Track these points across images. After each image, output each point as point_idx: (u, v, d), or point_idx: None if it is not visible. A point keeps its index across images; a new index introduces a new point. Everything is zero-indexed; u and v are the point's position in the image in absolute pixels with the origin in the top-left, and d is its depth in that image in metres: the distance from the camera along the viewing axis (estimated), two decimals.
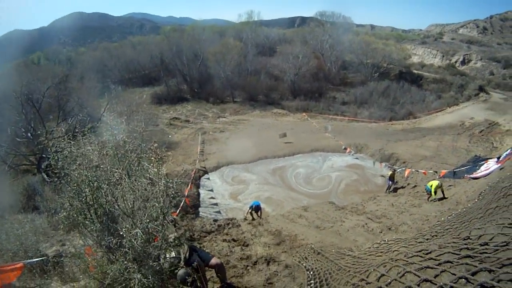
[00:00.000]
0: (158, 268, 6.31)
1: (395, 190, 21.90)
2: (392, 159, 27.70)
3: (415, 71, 62.75)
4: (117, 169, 6.94)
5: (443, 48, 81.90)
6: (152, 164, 7.16)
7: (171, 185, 6.86)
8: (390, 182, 21.79)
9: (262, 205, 18.84)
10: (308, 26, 74.26)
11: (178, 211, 16.11)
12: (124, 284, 5.80)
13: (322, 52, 57.67)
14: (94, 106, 30.54)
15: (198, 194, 21.82)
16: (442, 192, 18.05)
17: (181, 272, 5.87)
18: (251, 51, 52.91)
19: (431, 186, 18.02)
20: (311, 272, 8.61)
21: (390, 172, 21.95)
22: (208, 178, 24.14)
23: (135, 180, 6.78)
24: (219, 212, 19.98)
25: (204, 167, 25.36)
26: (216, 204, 20.64)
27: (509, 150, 20.72)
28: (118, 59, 57.10)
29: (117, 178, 6.76)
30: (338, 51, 57.08)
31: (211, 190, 22.33)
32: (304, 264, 9.54)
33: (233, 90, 47.60)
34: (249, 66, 51.01)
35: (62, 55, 55.54)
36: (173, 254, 5.98)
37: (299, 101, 45.88)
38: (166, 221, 6.84)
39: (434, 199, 18.00)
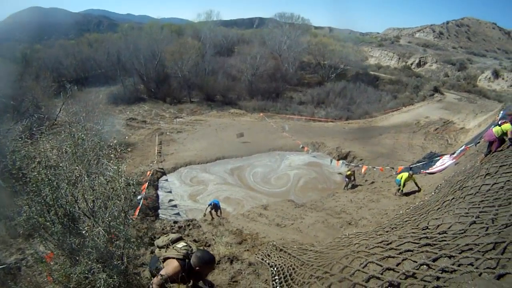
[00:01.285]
0: (122, 267, 6.17)
1: (354, 186, 22.25)
2: (349, 157, 28.35)
3: (372, 72, 64.76)
4: (76, 167, 6.75)
5: (400, 50, 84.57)
6: (111, 162, 7.02)
7: (131, 182, 6.72)
8: (347, 180, 22.14)
9: (222, 205, 18.90)
10: (267, 27, 74.40)
11: (137, 213, 15.84)
12: (89, 286, 5.67)
13: (280, 53, 58.03)
14: (49, 106, 29.53)
15: (157, 196, 21.51)
16: (416, 183, 18.28)
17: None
18: (209, 51, 52.76)
19: (401, 178, 18.25)
20: (275, 269, 8.71)
21: (348, 172, 22.26)
22: (167, 180, 23.78)
23: (94, 178, 6.68)
24: (178, 213, 19.74)
25: (162, 168, 24.97)
26: (175, 205, 20.36)
27: (463, 146, 21.62)
28: (74, 57, 55.46)
29: (77, 176, 6.64)
30: (296, 52, 57.44)
31: (170, 192, 22.05)
32: (267, 261, 9.60)
33: (190, 90, 47.31)
34: (206, 66, 50.69)
35: (17, 52, 53.42)
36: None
37: (257, 101, 46.03)
38: (127, 220, 6.70)
39: (402, 191, 18.28)
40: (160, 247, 5.31)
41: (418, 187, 18.02)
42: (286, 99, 48.79)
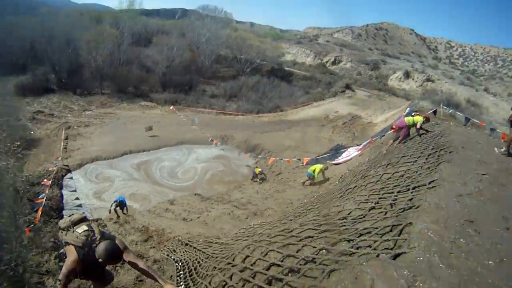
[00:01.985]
0: (12, 273, 6.03)
1: (263, 180, 22.73)
2: (257, 149, 28.98)
3: (287, 68, 65.73)
4: None
5: (317, 49, 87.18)
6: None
7: (21, 179, 6.50)
8: (254, 174, 22.67)
9: (128, 202, 18.58)
10: (189, 19, 73.80)
11: (39, 216, 14.82)
12: None
13: (198, 45, 57.74)
14: None
15: (61, 196, 20.34)
16: (323, 174, 19.13)
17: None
18: (126, 40, 51.18)
19: (313, 171, 18.98)
20: (180, 264, 8.87)
21: (258, 169, 22.79)
22: (71, 177, 22.78)
23: None
24: (84, 213, 19.03)
25: (67, 165, 23.81)
26: (80, 205, 19.60)
27: (369, 139, 22.55)
28: None
29: None
30: (214, 45, 57.45)
31: (75, 190, 21.09)
32: (172, 257, 9.77)
33: (102, 81, 45.59)
34: (122, 56, 49.18)
35: None
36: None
37: (169, 93, 45.55)
38: (18, 221, 6.49)
39: (315, 182, 19.00)
40: (61, 229, 5.15)
41: (326, 179, 18.90)
42: (199, 92, 48.66)
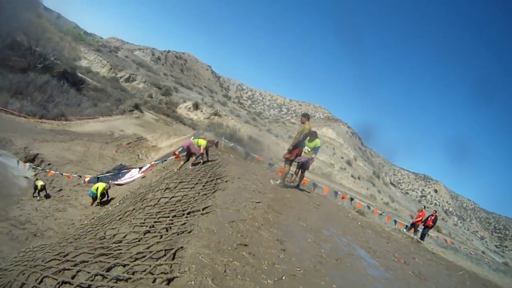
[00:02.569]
0: None
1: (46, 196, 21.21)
2: (37, 160, 26.89)
3: (80, 74, 63.47)
4: None
5: (114, 61, 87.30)
6: None
7: None
8: (35, 187, 21.01)
9: None
10: None
11: None
12: None
13: None
14: None
15: None
16: (107, 193, 19.74)
17: None
18: None
19: (96, 189, 19.28)
20: None
21: (39, 182, 20.94)
22: None
23: None
24: None
25: None
26: None
27: (152, 162, 23.81)
28: None
29: None
30: (11, 27, 52.31)
31: None
32: None
33: None
34: None
35: None
36: None
37: None
38: None
39: (98, 202, 19.34)
40: None
41: (109, 199, 19.63)
42: None
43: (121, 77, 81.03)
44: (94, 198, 19.73)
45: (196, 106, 76.80)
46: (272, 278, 5.00)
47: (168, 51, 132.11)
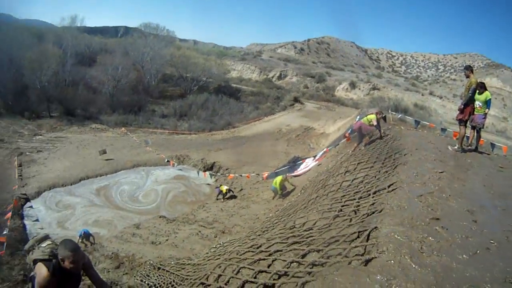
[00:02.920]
0: None
1: (231, 198, 22.38)
2: (215, 167, 28.74)
3: (234, 85, 65.93)
4: None
5: (261, 64, 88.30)
6: None
7: None
8: (220, 192, 22.32)
9: (93, 229, 18.35)
10: (131, 37, 72.83)
11: (4, 249, 14.06)
12: None
13: (143, 64, 57.36)
14: None
15: (24, 226, 19.21)
16: (289, 183, 19.58)
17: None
18: (70, 60, 49.79)
19: (275, 183, 19.23)
20: None
21: (223, 187, 22.42)
22: (31, 206, 21.63)
23: None
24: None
25: (25, 194, 22.68)
26: (47, 235, 17.62)
27: (324, 149, 22.94)
28: None
29: None
30: (158, 64, 57.19)
31: (37, 220, 19.91)
32: (146, 282, 9.78)
33: (49, 104, 43.66)
34: (67, 76, 48.10)
35: None
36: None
37: (118, 115, 44.48)
38: None
39: (281, 194, 19.13)
40: (27, 251, 4.98)
41: (293, 186, 19.32)
42: (149, 112, 47.97)
43: (272, 77, 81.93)
44: (276, 192, 19.56)
45: (352, 85, 74.40)
46: (467, 252, 4.71)
47: (309, 40, 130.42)
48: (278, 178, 19.49)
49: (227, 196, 22.25)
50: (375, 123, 14.98)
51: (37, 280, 4.29)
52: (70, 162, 28.96)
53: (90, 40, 69.33)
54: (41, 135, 37.13)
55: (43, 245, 4.65)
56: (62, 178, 25.50)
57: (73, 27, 66.43)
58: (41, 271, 4.30)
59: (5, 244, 14.66)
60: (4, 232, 15.87)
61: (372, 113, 15.68)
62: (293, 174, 22.64)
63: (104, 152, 30.15)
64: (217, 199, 22.47)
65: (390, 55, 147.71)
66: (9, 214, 18.50)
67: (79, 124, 41.61)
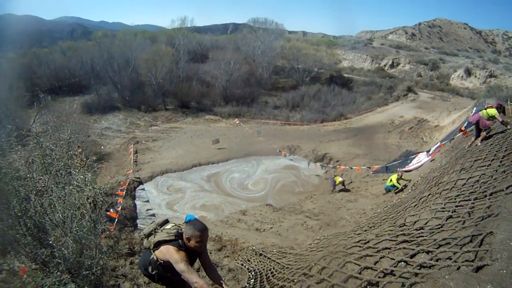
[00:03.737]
0: (93, 278, 6.02)
1: (342, 191, 21.77)
2: (325, 159, 28.41)
3: (346, 75, 65.18)
4: (43, 177, 6.60)
5: (373, 52, 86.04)
6: (77, 170, 6.88)
7: (98, 191, 6.55)
8: (335, 184, 21.70)
9: (201, 213, 19.11)
10: (241, 33, 74.55)
11: (115, 224, 15.52)
12: None
13: (254, 58, 58.22)
14: (23, 117, 28.72)
15: (135, 206, 20.90)
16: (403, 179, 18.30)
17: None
18: (183, 57, 51.93)
19: (390, 182, 18.20)
20: (253, 273, 8.66)
21: (338, 179, 21.75)
22: (143, 189, 23.18)
23: (62, 188, 6.49)
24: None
25: (139, 178, 24.33)
26: (153, 215, 19.78)
27: (438, 143, 21.80)
28: (47, 66, 53.10)
29: (43, 186, 6.47)
30: (269, 57, 57.65)
31: (147, 201, 21.43)
32: (246, 266, 9.60)
33: (164, 98, 46.51)
34: (181, 73, 50.23)
35: None
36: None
37: (231, 106, 45.69)
38: (97, 230, 6.55)
39: (402, 188, 17.98)
40: (147, 236, 4.93)
41: (408, 181, 18.06)
42: (261, 104, 48.56)
43: (385, 65, 79.70)
44: (389, 190, 18.42)
45: (468, 73, 69.89)
46: None
47: (420, 24, 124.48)
48: (392, 177, 18.34)
49: (339, 189, 21.69)
50: (499, 119, 13.19)
51: (172, 258, 4.36)
52: (183, 150, 30.13)
53: (201, 38, 72.37)
54: (156, 125, 39.31)
55: (167, 227, 4.81)
56: (175, 165, 26.60)
57: (183, 28, 68.93)
58: (170, 250, 4.43)
59: (116, 220, 15.95)
60: (117, 210, 17.22)
61: (492, 107, 13.77)
62: (404, 169, 21.38)
63: (217, 141, 30.88)
64: (332, 192, 21.84)
65: (507, 37, 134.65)
66: (121, 193, 19.83)
67: (193, 115, 43.39)
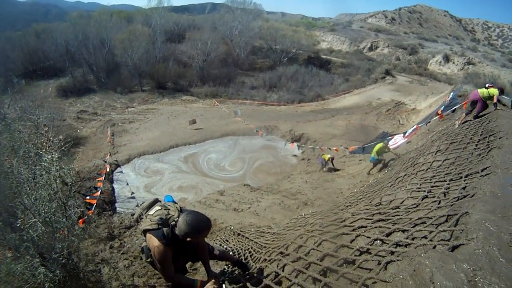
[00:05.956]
0: (64, 260, 5.87)
1: (331, 170, 21.87)
2: (302, 139, 28.57)
3: (324, 56, 65.75)
4: (7, 158, 6.47)
5: (352, 35, 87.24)
6: (44, 150, 6.73)
7: (67, 171, 6.38)
8: (323, 163, 21.81)
9: (179, 194, 19.21)
10: (219, 13, 74.34)
11: (93, 209, 15.29)
12: (36, 284, 5.38)
13: (232, 38, 58.30)
14: None
15: (113, 189, 20.65)
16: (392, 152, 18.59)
17: None
18: (160, 37, 51.71)
19: (375, 154, 18.23)
20: (231, 253, 8.50)
21: (327, 156, 21.75)
22: (121, 172, 22.99)
23: (30, 169, 6.39)
24: (137, 206, 18.68)
25: (116, 161, 24.07)
26: (133, 198, 19.58)
27: (414, 126, 21.87)
28: (21, 49, 51.82)
29: (8, 167, 6.33)
30: (247, 37, 57.76)
31: (126, 184, 21.16)
32: (225, 246, 9.53)
33: (141, 79, 46.10)
34: (157, 53, 49.87)
35: None
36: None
37: (208, 87, 45.68)
38: (67, 212, 6.39)
39: (382, 163, 18.26)
40: (136, 221, 4.67)
41: (396, 155, 18.10)
42: (238, 84, 48.69)
43: (363, 48, 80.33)
44: (376, 163, 18.43)
45: (446, 59, 71.02)
46: None
47: (400, 9, 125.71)
48: (378, 145, 18.40)
49: (329, 166, 21.76)
50: (495, 100, 13.25)
51: (154, 254, 4.04)
52: (160, 131, 29.94)
53: (178, 18, 71.80)
54: (133, 107, 38.91)
55: (151, 212, 4.31)
56: (152, 146, 26.37)
57: (160, 7, 68.26)
58: (154, 244, 3.99)
59: (94, 205, 15.69)
60: (95, 195, 16.89)
61: (494, 87, 13.74)
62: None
63: (194, 122, 30.80)
64: (321, 170, 21.96)
65: (486, 26, 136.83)
66: (101, 178, 19.58)
67: (170, 96, 43.29)
